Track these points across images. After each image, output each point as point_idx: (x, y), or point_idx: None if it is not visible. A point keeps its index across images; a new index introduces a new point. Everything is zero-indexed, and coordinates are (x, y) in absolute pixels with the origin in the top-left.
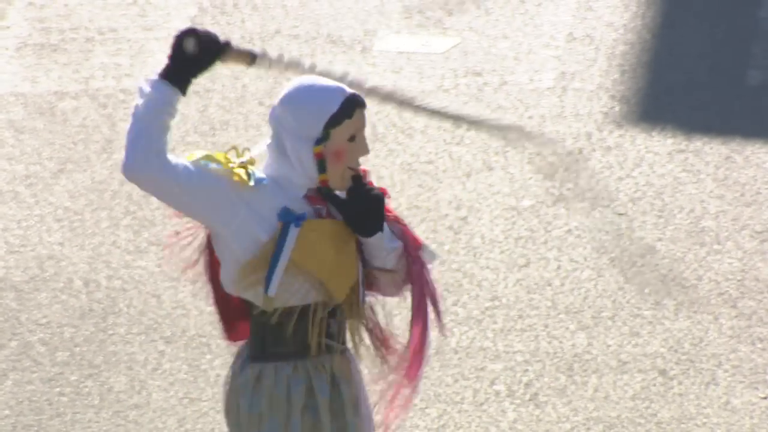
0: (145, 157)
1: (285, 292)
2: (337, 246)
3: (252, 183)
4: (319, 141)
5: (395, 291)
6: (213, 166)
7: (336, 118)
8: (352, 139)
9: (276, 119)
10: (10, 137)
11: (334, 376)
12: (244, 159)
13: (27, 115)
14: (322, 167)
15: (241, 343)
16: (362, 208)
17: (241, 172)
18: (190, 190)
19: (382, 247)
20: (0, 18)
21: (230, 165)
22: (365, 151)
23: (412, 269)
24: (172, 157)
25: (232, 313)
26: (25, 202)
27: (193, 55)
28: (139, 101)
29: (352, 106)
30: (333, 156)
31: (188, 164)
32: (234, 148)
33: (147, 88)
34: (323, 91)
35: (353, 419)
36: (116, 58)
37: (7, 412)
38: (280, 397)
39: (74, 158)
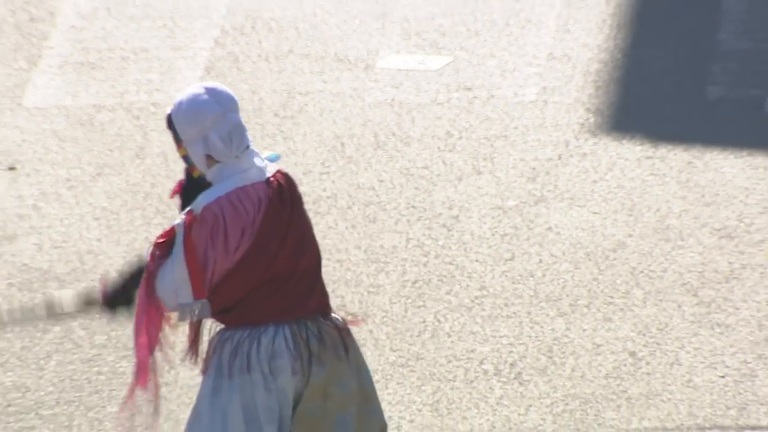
0: None
1: None
2: None
3: None
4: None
5: None
6: None
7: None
8: None
9: None
10: (54, 145)
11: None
12: None
13: (69, 125)
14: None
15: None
16: None
17: None
18: None
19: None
20: (45, 39)
21: None
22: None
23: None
24: None
25: None
26: (67, 202)
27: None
28: None
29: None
30: None
31: None
32: None
33: None
34: None
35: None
36: (148, 74)
37: (51, 389)
38: None
39: (111, 163)
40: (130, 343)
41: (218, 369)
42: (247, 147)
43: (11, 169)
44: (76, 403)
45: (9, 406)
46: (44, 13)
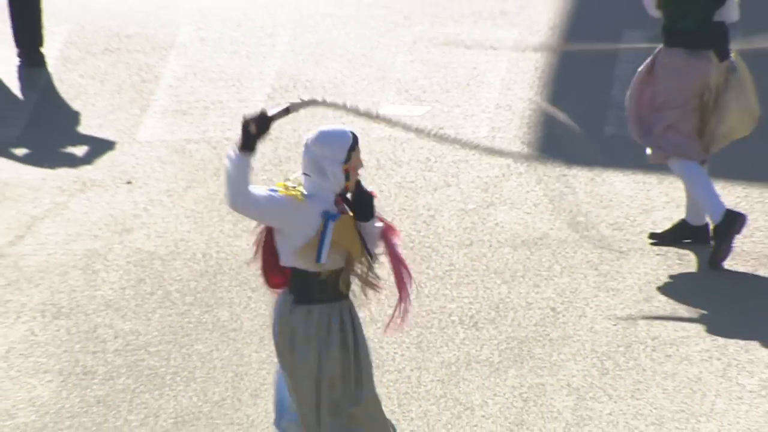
0: (238, 196)
1: (328, 261)
2: (356, 232)
3: (304, 199)
4: (345, 161)
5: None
6: (279, 193)
7: (352, 146)
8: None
9: (313, 153)
10: (158, 167)
11: (350, 314)
12: (294, 184)
13: (168, 153)
14: (347, 178)
15: (278, 292)
16: (363, 202)
17: (297, 193)
18: (266, 211)
19: (373, 231)
20: (152, 94)
21: (289, 190)
22: (362, 165)
23: (389, 249)
24: (254, 190)
25: (274, 272)
26: (167, 206)
27: (253, 133)
28: (229, 162)
29: (356, 139)
30: (352, 170)
31: (264, 194)
32: (287, 179)
33: (233, 155)
34: (339, 132)
35: (362, 340)
36: (222, 118)
37: (155, 333)
38: (324, 325)
39: (196, 179)
40: (211, 301)
41: None
42: None
43: (128, 183)
44: (173, 343)
45: (127, 345)
46: (151, 76)
